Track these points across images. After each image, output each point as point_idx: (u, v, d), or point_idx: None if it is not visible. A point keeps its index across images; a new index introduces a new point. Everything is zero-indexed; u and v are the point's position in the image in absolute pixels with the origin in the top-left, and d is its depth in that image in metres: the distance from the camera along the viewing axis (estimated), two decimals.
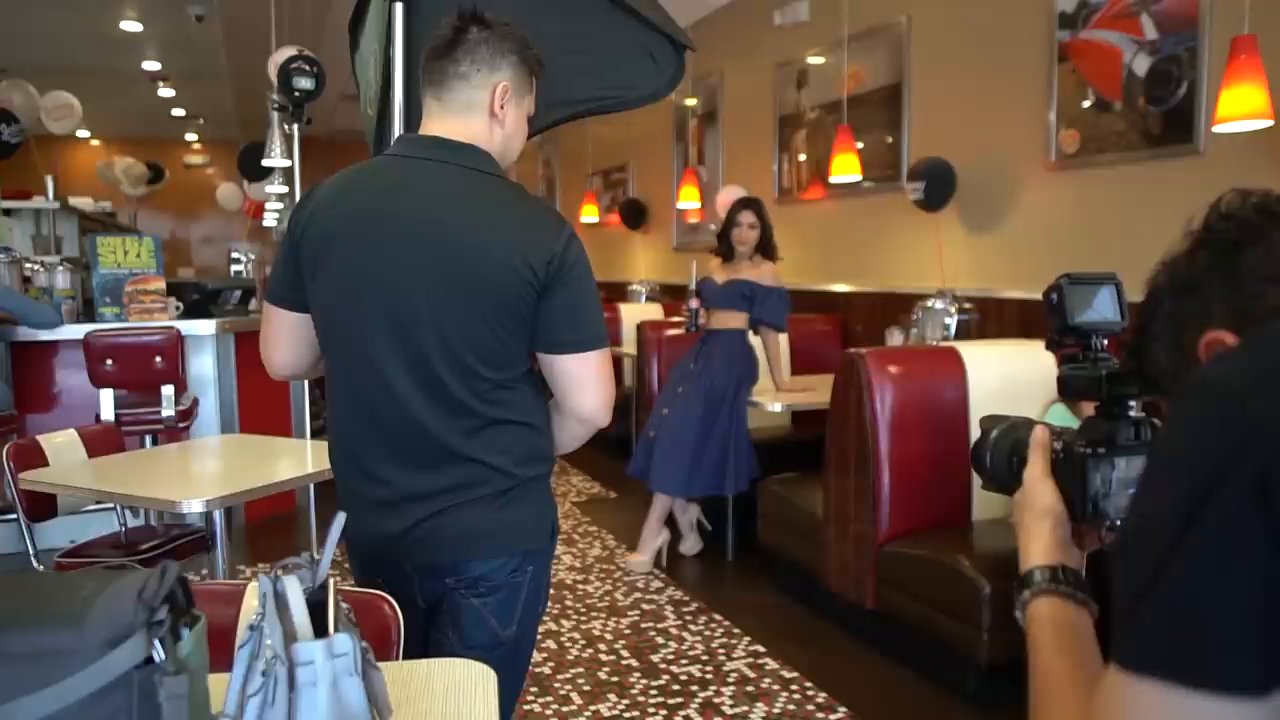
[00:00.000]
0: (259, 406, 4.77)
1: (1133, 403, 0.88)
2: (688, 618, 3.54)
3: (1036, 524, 0.89)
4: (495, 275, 1.41)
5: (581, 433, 1.59)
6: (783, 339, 4.29)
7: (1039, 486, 0.91)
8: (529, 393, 1.52)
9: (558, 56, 1.87)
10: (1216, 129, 2.96)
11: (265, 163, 6.21)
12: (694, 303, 4.10)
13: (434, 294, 1.42)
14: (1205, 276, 0.74)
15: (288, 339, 1.58)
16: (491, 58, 1.50)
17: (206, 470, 2.94)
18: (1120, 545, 0.62)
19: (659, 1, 2.08)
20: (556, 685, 2.98)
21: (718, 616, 3.54)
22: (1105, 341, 0.93)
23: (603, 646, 3.27)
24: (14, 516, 2.64)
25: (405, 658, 1.34)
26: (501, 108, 1.52)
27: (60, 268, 4.62)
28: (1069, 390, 0.93)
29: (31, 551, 2.63)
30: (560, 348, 1.49)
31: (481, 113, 1.51)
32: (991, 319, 4.10)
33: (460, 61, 1.49)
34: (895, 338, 4.38)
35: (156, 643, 0.75)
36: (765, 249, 4.06)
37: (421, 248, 1.43)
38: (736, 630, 3.41)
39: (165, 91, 10.07)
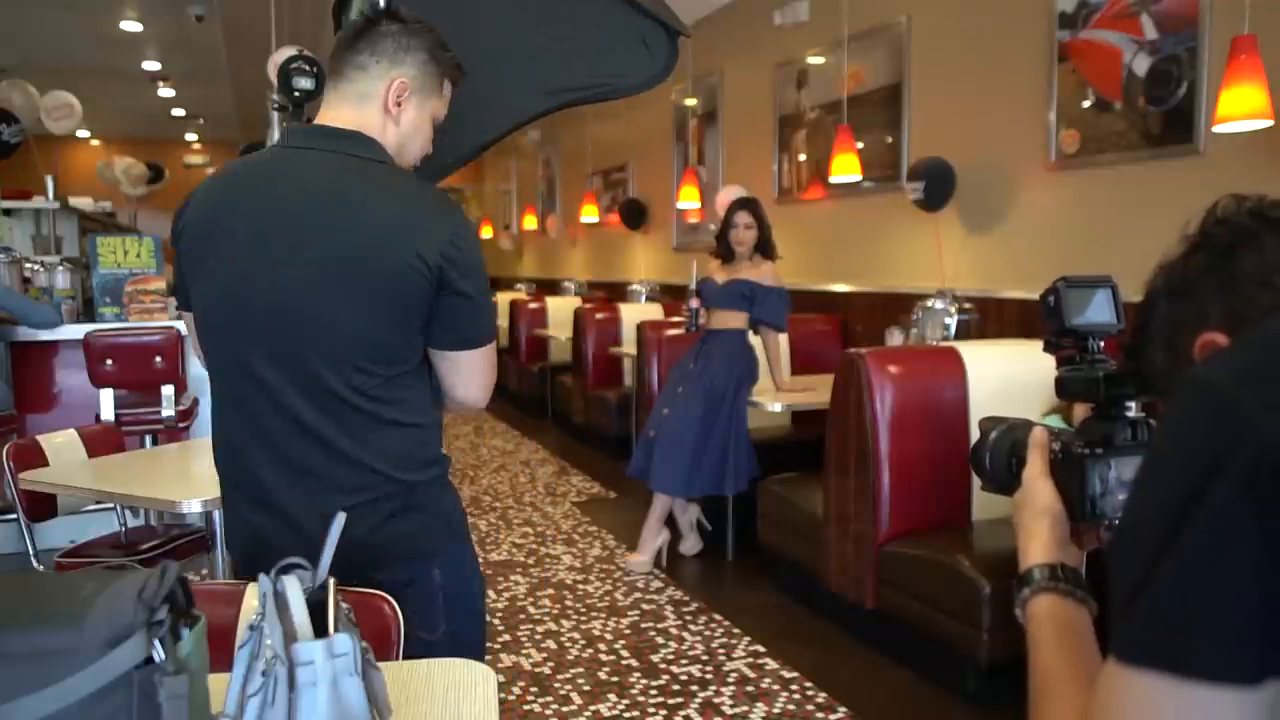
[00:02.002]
0: None
1: (1130, 403, 0.88)
2: (688, 618, 3.54)
3: (1035, 523, 0.91)
4: (379, 266, 1.35)
5: (458, 412, 1.58)
6: (783, 339, 4.29)
7: (1037, 486, 0.92)
8: (419, 390, 1.46)
9: (545, 43, 1.82)
10: (1216, 129, 2.96)
11: None
12: (694, 302, 4.10)
13: (312, 289, 1.36)
14: (1200, 279, 0.75)
15: None
16: (394, 52, 1.45)
17: (206, 470, 2.92)
18: (1116, 542, 0.63)
19: None
20: (556, 685, 2.98)
21: (718, 616, 3.54)
22: (1102, 343, 0.93)
23: (603, 646, 3.27)
24: (14, 516, 2.64)
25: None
26: (398, 104, 1.46)
27: (60, 268, 4.63)
28: (1067, 391, 0.93)
29: (31, 551, 2.63)
30: (453, 344, 1.45)
31: (375, 104, 1.45)
32: (991, 319, 4.10)
33: (361, 52, 1.45)
34: (895, 338, 4.38)
35: (156, 643, 0.75)
36: (764, 249, 4.06)
37: (297, 241, 1.37)
38: (736, 630, 3.41)
39: (165, 91, 10.08)
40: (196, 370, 4.50)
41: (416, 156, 1.54)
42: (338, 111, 1.46)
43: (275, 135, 5.74)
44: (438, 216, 1.40)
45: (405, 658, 1.37)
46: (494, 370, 1.52)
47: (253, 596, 1.24)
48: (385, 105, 1.45)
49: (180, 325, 4.13)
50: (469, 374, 1.48)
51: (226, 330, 1.44)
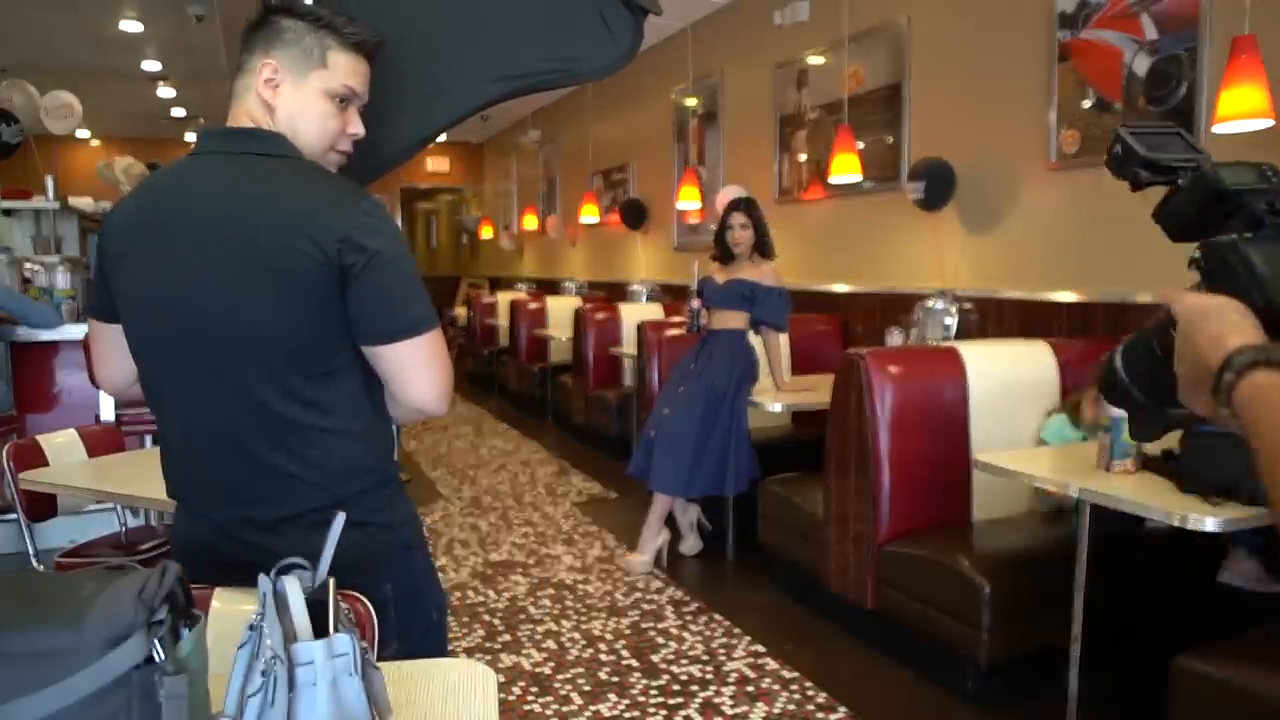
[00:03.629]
0: None
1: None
2: (688, 618, 3.53)
3: (1222, 320, 0.76)
4: (283, 262, 1.31)
5: (418, 418, 1.54)
6: (783, 339, 4.28)
7: (1202, 299, 0.79)
8: (346, 392, 1.39)
9: (493, 26, 1.73)
10: (1216, 129, 2.96)
11: None
12: (695, 303, 4.09)
13: (225, 293, 1.34)
14: None
15: (110, 351, 1.51)
16: (265, 40, 1.44)
17: None
18: None
19: None
20: (556, 685, 2.98)
21: (718, 616, 3.54)
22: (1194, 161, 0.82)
23: (603, 646, 3.27)
24: (14, 516, 2.64)
25: None
26: (272, 87, 1.43)
27: (60, 268, 4.62)
28: (1173, 217, 0.81)
29: (31, 551, 2.63)
30: (379, 337, 1.35)
31: (252, 95, 1.44)
32: (991, 319, 4.10)
33: (242, 51, 1.46)
34: (895, 338, 4.38)
35: (156, 643, 0.75)
36: (762, 248, 4.05)
37: (204, 246, 1.35)
38: (736, 630, 3.41)
39: (165, 91, 10.07)
40: None
41: (320, 136, 1.46)
42: (233, 112, 1.46)
43: None
44: (338, 204, 1.35)
45: (368, 668, 1.26)
46: (439, 368, 1.39)
47: (217, 600, 1.24)
48: (258, 92, 1.43)
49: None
50: (406, 371, 1.37)
51: (152, 342, 1.43)
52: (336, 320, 1.34)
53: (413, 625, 1.47)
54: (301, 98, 1.44)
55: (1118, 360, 0.85)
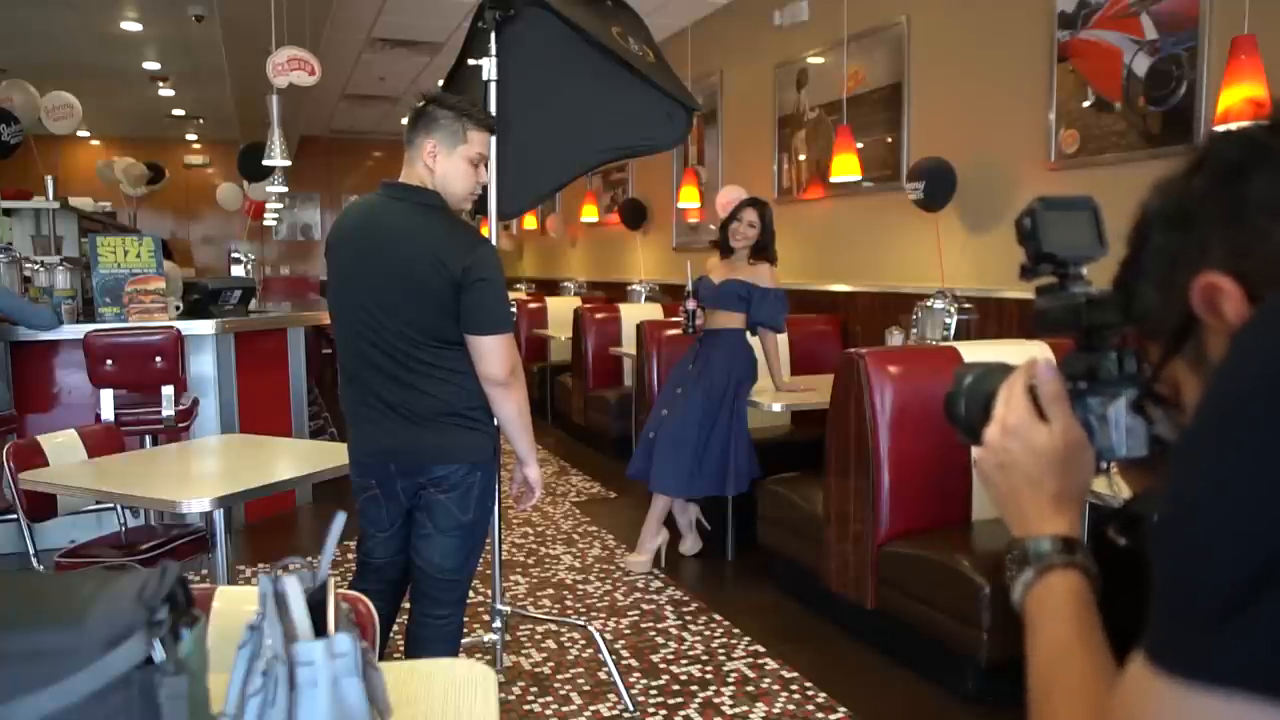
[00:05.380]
0: (259, 406, 4.76)
1: (1115, 333, 0.80)
2: (688, 618, 3.53)
3: (1059, 480, 0.79)
4: (424, 276, 2.09)
5: (491, 392, 2.17)
6: (782, 339, 4.28)
7: (1050, 439, 0.80)
8: (462, 359, 2.16)
9: (603, 115, 2.77)
10: (1216, 129, 2.96)
11: (265, 162, 6.22)
12: (690, 304, 4.07)
13: (386, 288, 2.13)
14: (1202, 206, 0.60)
15: None
16: (426, 124, 2.17)
17: (206, 470, 2.94)
18: (1182, 527, 0.51)
19: (675, 74, 2.92)
20: (556, 685, 2.98)
21: (718, 616, 3.54)
22: (1084, 270, 0.84)
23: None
24: (14, 516, 2.64)
25: (395, 539, 2.30)
26: (433, 157, 2.17)
27: (60, 268, 4.61)
28: (1046, 321, 0.82)
29: (31, 551, 2.63)
30: (471, 329, 2.13)
31: (420, 164, 2.18)
32: (991, 319, 4.10)
33: (409, 132, 2.21)
34: (895, 338, 4.38)
35: (156, 643, 0.75)
36: (765, 252, 4.04)
37: (379, 259, 2.14)
38: (736, 630, 3.41)
39: (165, 91, 10.06)
40: (196, 370, 4.51)
41: (466, 189, 2.22)
42: (405, 172, 2.21)
43: (276, 135, 5.78)
44: (462, 244, 2.12)
45: (441, 532, 2.21)
46: (507, 357, 2.15)
47: (217, 600, 1.24)
48: (425, 161, 2.17)
49: (179, 325, 4.15)
50: (484, 354, 2.14)
51: (341, 315, 2.22)
52: (452, 315, 2.11)
53: (484, 505, 2.25)
54: (450, 165, 2.18)
55: (960, 402, 0.89)
